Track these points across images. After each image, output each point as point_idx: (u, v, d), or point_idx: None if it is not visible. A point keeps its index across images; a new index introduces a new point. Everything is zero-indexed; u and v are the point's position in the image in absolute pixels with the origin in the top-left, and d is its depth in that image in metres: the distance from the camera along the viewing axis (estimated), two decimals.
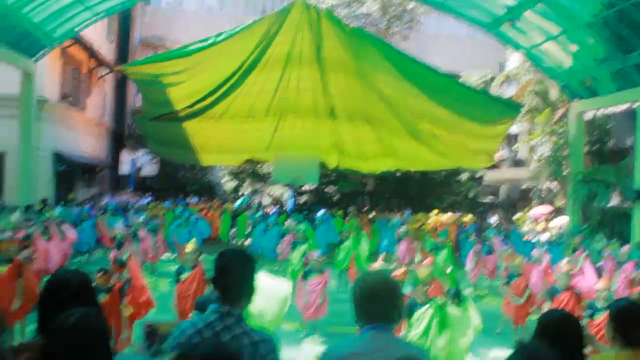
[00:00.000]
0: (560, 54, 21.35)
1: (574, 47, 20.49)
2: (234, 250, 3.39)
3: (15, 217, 15.47)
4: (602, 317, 8.28)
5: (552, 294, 10.38)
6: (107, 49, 31.04)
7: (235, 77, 20.99)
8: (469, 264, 16.93)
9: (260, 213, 24.02)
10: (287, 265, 15.36)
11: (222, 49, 19.40)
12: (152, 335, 3.86)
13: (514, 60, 31.49)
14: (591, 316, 8.79)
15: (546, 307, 10.10)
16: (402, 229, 20.14)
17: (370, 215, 25.32)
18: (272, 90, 21.96)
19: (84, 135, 28.89)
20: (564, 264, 11.52)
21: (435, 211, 27.61)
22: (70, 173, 26.93)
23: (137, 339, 6.38)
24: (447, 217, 26.66)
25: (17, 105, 21.34)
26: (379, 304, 2.93)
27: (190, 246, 10.76)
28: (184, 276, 10.15)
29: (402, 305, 3.08)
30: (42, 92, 22.91)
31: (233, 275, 3.14)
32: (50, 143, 24.22)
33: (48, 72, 23.69)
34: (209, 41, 19.25)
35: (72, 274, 3.00)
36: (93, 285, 3.13)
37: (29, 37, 19.93)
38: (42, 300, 2.87)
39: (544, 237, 20.40)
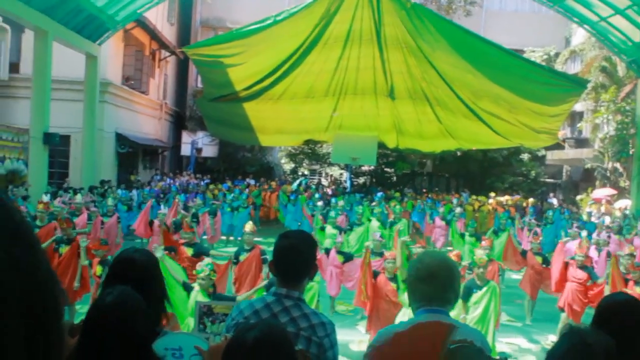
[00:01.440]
0: (628, 28, 20.55)
1: None
2: (296, 232, 3.37)
3: (79, 198, 15.86)
4: None
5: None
6: (168, 31, 31.40)
7: (295, 57, 21.00)
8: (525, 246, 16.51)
9: (318, 195, 24.00)
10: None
11: (282, 29, 19.40)
12: (207, 315, 3.89)
13: (580, 35, 30.54)
14: None
15: (607, 291, 9.81)
16: (458, 209, 19.90)
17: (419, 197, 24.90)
18: (332, 69, 21.90)
19: (145, 117, 29.39)
20: (626, 247, 11.22)
21: (493, 194, 27.23)
22: (132, 155, 27.48)
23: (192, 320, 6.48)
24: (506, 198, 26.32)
25: (80, 89, 21.87)
26: (436, 285, 2.83)
27: (248, 227, 10.82)
28: (242, 257, 10.25)
29: (459, 287, 2.98)
30: (105, 74, 23.39)
31: (293, 258, 3.10)
32: (113, 125, 24.73)
33: (111, 54, 24.13)
34: (269, 21, 19.25)
35: (139, 254, 2.98)
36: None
37: (93, 21, 20.33)
38: (107, 280, 2.89)
39: (607, 220, 19.88)
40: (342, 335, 8.86)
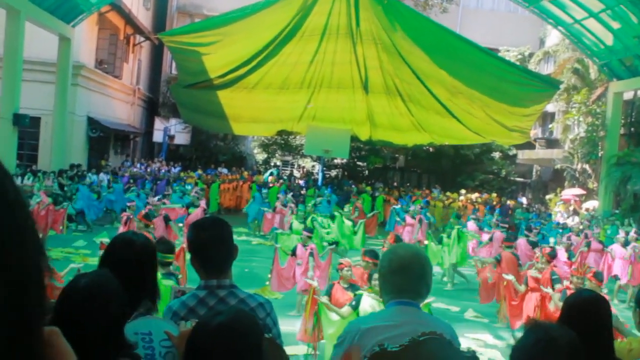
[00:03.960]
0: (601, 32, 20.82)
1: (615, 25, 19.96)
2: (209, 220, 3.24)
3: (49, 182, 15.68)
4: None
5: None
6: (143, 16, 31.03)
7: (271, 47, 20.95)
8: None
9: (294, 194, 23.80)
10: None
11: (259, 18, 19.31)
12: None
13: (554, 36, 30.84)
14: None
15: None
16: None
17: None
18: (308, 62, 21.89)
19: (118, 102, 29.06)
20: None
21: (463, 191, 27.47)
22: (103, 139, 27.18)
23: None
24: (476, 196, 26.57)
25: (52, 71, 21.54)
26: (408, 277, 2.79)
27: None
28: None
29: (431, 280, 2.90)
30: (78, 57, 23.06)
31: (218, 247, 2.97)
32: (85, 109, 24.41)
33: (84, 37, 23.79)
34: (247, 10, 19.16)
35: (137, 237, 2.95)
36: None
37: (67, 2, 20.04)
38: (103, 260, 2.83)
39: (576, 219, 20.17)
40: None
